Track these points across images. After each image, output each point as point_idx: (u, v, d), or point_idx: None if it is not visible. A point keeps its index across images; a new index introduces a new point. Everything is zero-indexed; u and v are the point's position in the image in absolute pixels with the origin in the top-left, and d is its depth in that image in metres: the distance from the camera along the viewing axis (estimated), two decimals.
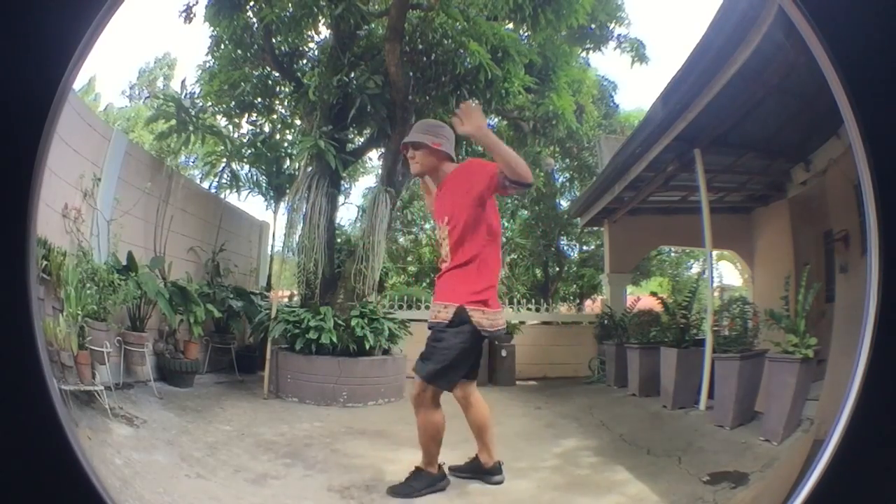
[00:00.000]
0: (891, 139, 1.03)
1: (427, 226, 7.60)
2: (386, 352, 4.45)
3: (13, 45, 0.92)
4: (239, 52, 4.96)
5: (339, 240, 5.19)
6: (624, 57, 5.54)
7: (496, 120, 5.73)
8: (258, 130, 5.34)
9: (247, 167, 5.30)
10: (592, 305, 6.97)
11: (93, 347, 3.17)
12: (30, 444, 0.97)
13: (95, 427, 2.85)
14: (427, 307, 5.90)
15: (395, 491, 2.37)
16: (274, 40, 4.92)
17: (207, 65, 5.08)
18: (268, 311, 4.50)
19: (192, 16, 4.61)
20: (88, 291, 3.25)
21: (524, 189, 2.42)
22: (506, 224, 7.09)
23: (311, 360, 4.15)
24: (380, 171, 5.21)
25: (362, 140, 5.25)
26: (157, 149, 4.84)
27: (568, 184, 7.09)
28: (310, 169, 4.71)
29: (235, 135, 5.29)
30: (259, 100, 5.21)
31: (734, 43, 3.31)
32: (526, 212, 7.02)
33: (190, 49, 5.16)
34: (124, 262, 3.84)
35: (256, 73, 5.10)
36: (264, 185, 5.33)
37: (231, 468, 2.66)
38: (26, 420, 0.97)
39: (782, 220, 4.49)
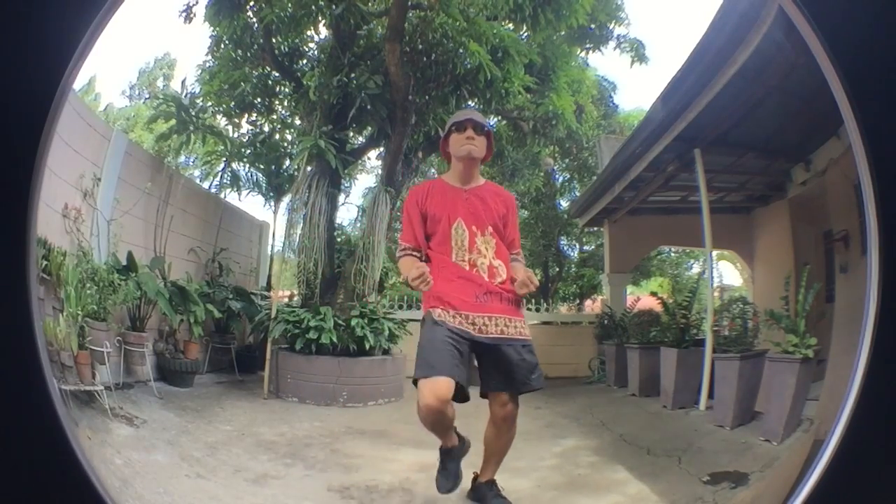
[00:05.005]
0: (891, 139, 1.03)
1: None
2: (386, 352, 4.45)
3: (13, 45, 0.93)
4: (239, 52, 4.96)
5: (339, 240, 5.19)
6: (624, 57, 5.53)
7: (496, 120, 5.74)
8: (258, 130, 5.34)
9: (247, 167, 5.30)
10: (592, 305, 6.96)
11: (93, 347, 3.17)
12: (30, 443, 0.97)
13: (95, 427, 2.85)
14: None
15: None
16: (274, 40, 4.91)
17: (207, 65, 5.07)
18: (268, 311, 4.50)
19: (192, 16, 4.61)
20: (88, 291, 3.25)
21: None
22: None
23: (311, 360, 4.15)
24: (380, 171, 5.22)
25: (362, 140, 5.25)
26: (156, 149, 4.84)
27: (567, 184, 7.09)
28: (310, 169, 4.72)
29: (235, 135, 5.30)
30: (259, 100, 5.21)
31: (734, 43, 3.31)
32: (526, 212, 7.01)
33: (190, 49, 5.16)
34: (124, 262, 3.84)
35: (256, 73, 5.10)
36: (264, 185, 5.33)
37: (231, 468, 2.66)
38: (26, 420, 0.97)
39: (782, 220, 4.49)
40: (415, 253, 2.36)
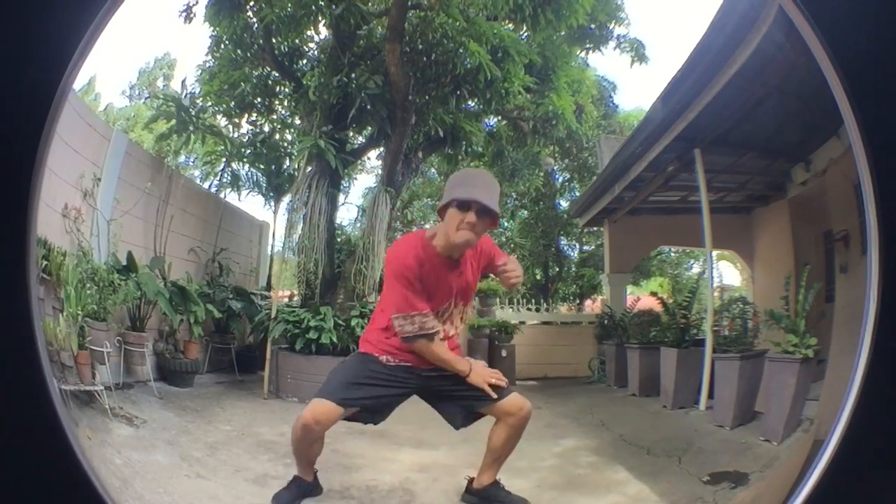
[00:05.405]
0: (891, 139, 1.03)
1: (427, 225, 7.60)
2: None
3: (13, 45, 0.92)
4: (239, 52, 4.96)
5: (339, 240, 5.19)
6: (624, 57, 5.54)
7: (496, 120, 5.74)
8: (258, 130, 5.34)
9: (247, 167, 5.31)
10: (592, 305, 6.97)
11: (93, 347, 3.17)
12: (30, 444, 0.97)
13: (95, 427, 2.85)
14: None
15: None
16: (274, 40, 4.92)
17: (207, 65, 5.08)
18: (268, 311, 4.50)
19: (192, 16, 4.61)
20: (88, 291, 3.25)
21: None
22: (506, 224, 7.10)
23: (311, 360, 4.15)
24: (380, 171, 5.22)
25: (362, 140, 5.26)
26: (156, 149, 4.84)
27: (567, 184, 7.09)
28: (310, 169, 4.72)
29: (235, 135, 5.30)
30: (259, 100, 5.21)
31: (734, 43, 3.31)
32: (526, 212, 7.02)
33: (190, 49, 5.16)
34: (124, 262, 3.84)
35: (256, 73, 5.10)
36: (264, 185, 5.33)
37: (231, 468, 2.67)
38: (26, 420, 0.97)
39: (782, 220, 4.50)
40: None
